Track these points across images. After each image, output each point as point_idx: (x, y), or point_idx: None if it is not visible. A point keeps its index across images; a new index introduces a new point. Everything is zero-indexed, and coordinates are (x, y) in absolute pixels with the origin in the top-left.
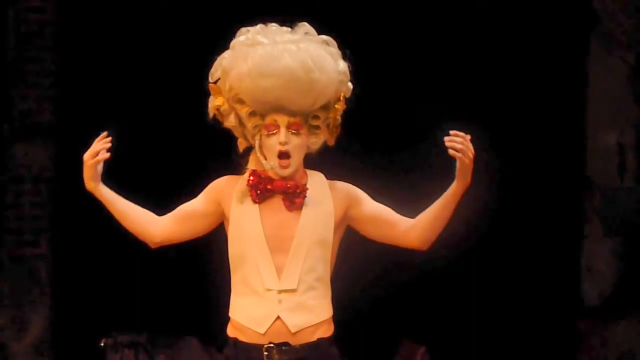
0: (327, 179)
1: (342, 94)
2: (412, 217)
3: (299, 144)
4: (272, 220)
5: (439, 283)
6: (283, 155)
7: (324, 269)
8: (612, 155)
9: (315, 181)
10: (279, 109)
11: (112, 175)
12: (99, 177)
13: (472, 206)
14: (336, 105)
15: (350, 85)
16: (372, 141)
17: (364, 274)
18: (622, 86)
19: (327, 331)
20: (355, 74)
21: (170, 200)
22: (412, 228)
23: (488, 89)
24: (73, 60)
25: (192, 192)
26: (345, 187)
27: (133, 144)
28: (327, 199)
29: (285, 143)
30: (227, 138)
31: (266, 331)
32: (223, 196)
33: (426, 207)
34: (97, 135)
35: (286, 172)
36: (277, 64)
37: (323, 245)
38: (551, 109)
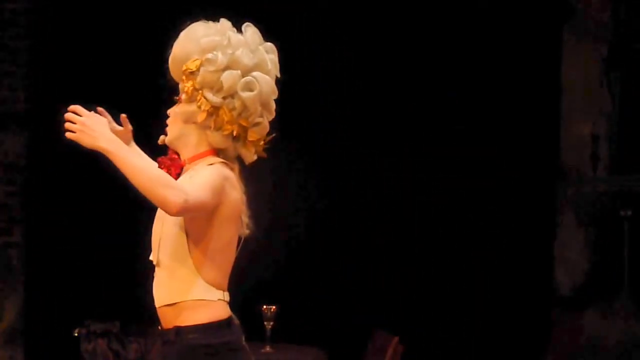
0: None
1: (193, 60)
2: None
3: (172, 113)
4: None
5: (415, 272)
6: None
7: (181, 251)
8: (586, 146)
9: (202, 164)
10: (174, 78)
11: (92, 162)
12: None
13: (442, 197)
14: (183, 68)
15: (210, 56)
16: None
17: (337, 264)
18: (596, 77)
19: (188, 319)
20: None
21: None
22: None
23: (461, 80)
24: (47, 49)
25: None
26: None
27: None
28: None
29: (168, 113)
30: None
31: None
32: None
33: None
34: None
35: (162, 140)
36: None
37: (176, 228)
38: (525, 100)
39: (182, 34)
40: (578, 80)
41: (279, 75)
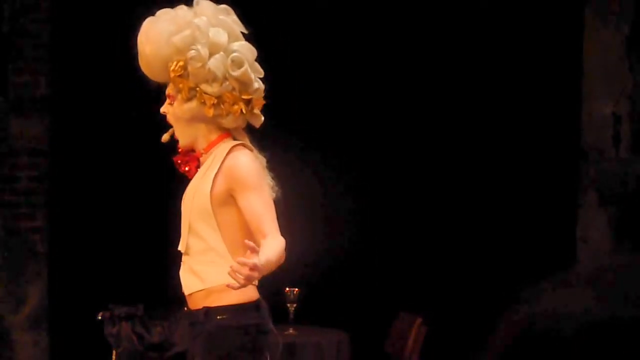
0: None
1: (176, 63)
2: None
3: (172, 113)
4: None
5: (439, 253)
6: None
7: (212, 237)
8: (607, 126)
9: (219, 150)
10: (156, 80)
11: (112, 149)
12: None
13: (464, 177)
14: (172, 74)
15: (192, 53)
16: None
17: (360, 245)
18: (617, 57)
19: (218, 300)
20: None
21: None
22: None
23: (484, 62)
24: (68, 34)
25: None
26: (230, 164)
27: (130, 118)
28: (214, 169)
29: (164, 113)
30: None
31: (183, 290)
32: None
33: None
34: (92, 108)
35: (165, 138)
36: (137, 38)
37: (204, 214)
38: (547, 80)
39: (147, 36)
40: (600, 59)
41: (245, 32)
